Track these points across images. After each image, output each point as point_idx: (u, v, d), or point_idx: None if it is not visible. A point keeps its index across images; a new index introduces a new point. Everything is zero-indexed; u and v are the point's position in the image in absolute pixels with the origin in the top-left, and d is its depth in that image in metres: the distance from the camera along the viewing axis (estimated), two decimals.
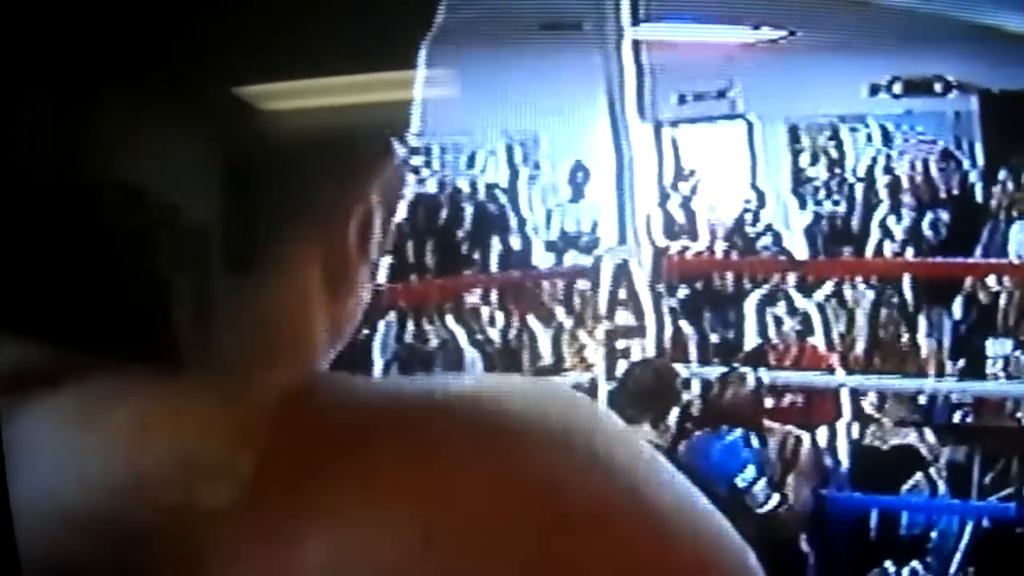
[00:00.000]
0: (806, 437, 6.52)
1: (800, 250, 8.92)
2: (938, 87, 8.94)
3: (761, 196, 9.26)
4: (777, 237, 8.89)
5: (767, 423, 6.48)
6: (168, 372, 0.69)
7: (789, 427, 6.56)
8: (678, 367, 6.73)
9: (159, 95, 0.69)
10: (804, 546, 6.45)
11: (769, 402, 7.21)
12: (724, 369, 6.90)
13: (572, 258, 8.72)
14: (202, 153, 0.70)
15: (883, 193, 8.96)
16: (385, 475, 0.64)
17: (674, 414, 6.14)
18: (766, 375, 6.90)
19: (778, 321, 7.83)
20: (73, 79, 0.68)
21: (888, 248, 8.71)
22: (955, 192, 8.89)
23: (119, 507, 0.65)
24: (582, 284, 8.12)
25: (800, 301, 8.03)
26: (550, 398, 0.68)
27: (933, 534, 6.68)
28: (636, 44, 8.02)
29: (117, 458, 0.66)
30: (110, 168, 0.69)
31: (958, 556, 6.54)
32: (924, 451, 6.97)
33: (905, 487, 6.87)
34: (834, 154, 9.44)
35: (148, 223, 0.69)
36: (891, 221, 8.79)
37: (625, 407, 5.82)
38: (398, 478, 0.64)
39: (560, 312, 8.15)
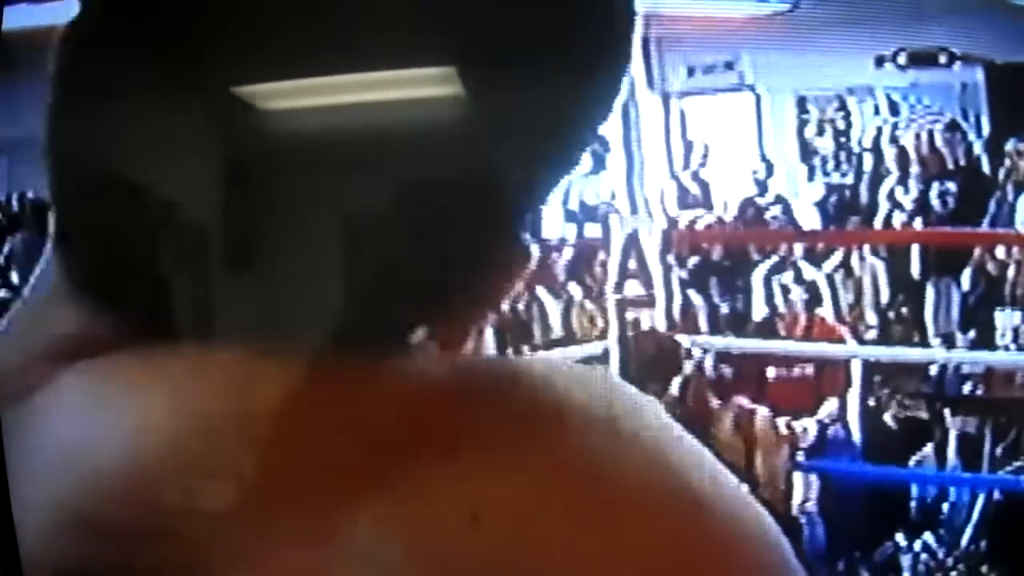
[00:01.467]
0: (761, 410, 6.45)
1: (809, 221, 8.87)
2: (943, 59, 8.90)
3: (770, 167, 9.21)
4: (786, 208, 8.85)
5: (713, 404, 6.41)
6: (174, 364, 0.69)
7: (740, 402, 6.47)
8: (680, 338, 6.68)
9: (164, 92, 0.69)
10: (801, 518, 6.49)
11: (776, 373, 7.20)
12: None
13: (589, 229, 8.66)
14: (207, 139, 0.69)
15: (891, 164, 8.91)
16: (429, 456, 0.64)
17: (675, 384, 6.10)
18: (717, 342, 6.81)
19: (786, 291, 7.77)
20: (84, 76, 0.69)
21: (897, 219, 8.66)
22: (962, 163, 8.86)
23: (123, 505, 0.65)
24: (592, 255, 8.08)
25: (808, 272, 7.97)
26: (593, 383, 0.69)
27: (944, 507, 6.71)
28: (644, 16, 8.00)
29: (122, 455, 0.66)
30: (112, 154, 0.69)
31: (970, 529, 6.55)
32: (934, 423, 6.98)
33: (915, 459, 6.91)
34: (841, 125, 9.42)
35: (156, 212, 0.69)
36: (899, 192, 8.75)
37: (627, 377, 5.77)
38: (443, 459, 0.64)
39: (570, 283, 8.11)
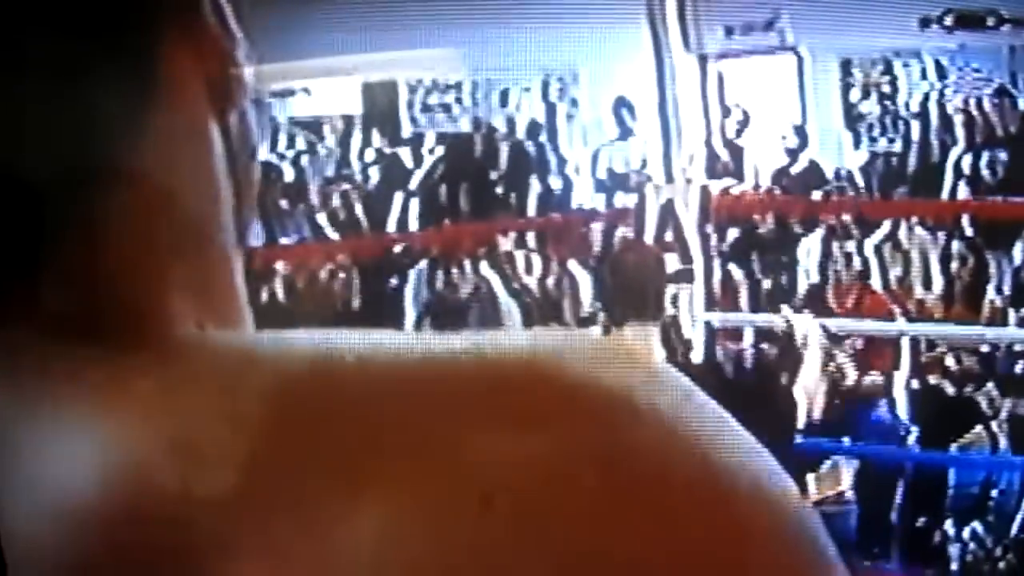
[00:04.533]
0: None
1: (856, 190, 8.77)
2: (991, 20, 8.79)
3: (813, 133, 9.13)
4: (832, 176, 8.79)
5: None
6: (162, 357, 0.66)
7: None
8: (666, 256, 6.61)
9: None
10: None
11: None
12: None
13: (620, 199, 8.66)
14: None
15: (954, 132, 8.80)
16: (440, 437, 0.61)
17: (666, 303, 5.99)
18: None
19: (832, 265, 7.75)
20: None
21: (946, 189, 8.57)
22: (1012, 130, 8.77)
23: (117, 499, 0.62)
24: (626, 226, 8.02)
25: (851, 244, 7.93)
26: (604, 354, 0.65)
27: (994, 492, 6.67)
28: None
29: (114, 448, 0.63)
30: (107, 153, 0.67)
31: (1020, 516, 6.53)
32: (985, 404, 6.93)
33: (964, 443, 6.86)
34: (887, 89, 9.33)
35: (138, 207, 0.67)
36: (966, 161, 8.64)
37: (613, 294, 5.64)
38: (453, 440, 0.61)
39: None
